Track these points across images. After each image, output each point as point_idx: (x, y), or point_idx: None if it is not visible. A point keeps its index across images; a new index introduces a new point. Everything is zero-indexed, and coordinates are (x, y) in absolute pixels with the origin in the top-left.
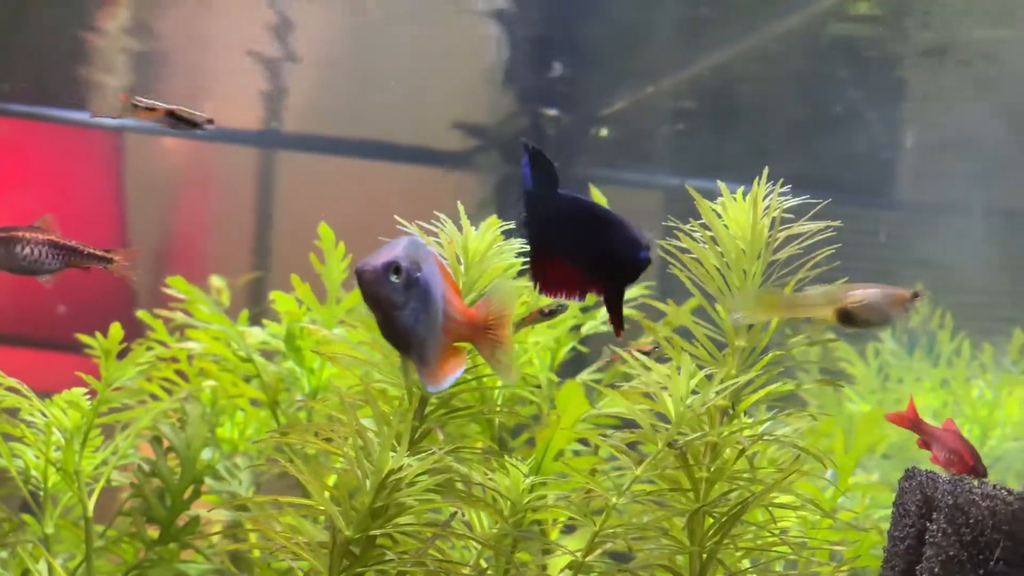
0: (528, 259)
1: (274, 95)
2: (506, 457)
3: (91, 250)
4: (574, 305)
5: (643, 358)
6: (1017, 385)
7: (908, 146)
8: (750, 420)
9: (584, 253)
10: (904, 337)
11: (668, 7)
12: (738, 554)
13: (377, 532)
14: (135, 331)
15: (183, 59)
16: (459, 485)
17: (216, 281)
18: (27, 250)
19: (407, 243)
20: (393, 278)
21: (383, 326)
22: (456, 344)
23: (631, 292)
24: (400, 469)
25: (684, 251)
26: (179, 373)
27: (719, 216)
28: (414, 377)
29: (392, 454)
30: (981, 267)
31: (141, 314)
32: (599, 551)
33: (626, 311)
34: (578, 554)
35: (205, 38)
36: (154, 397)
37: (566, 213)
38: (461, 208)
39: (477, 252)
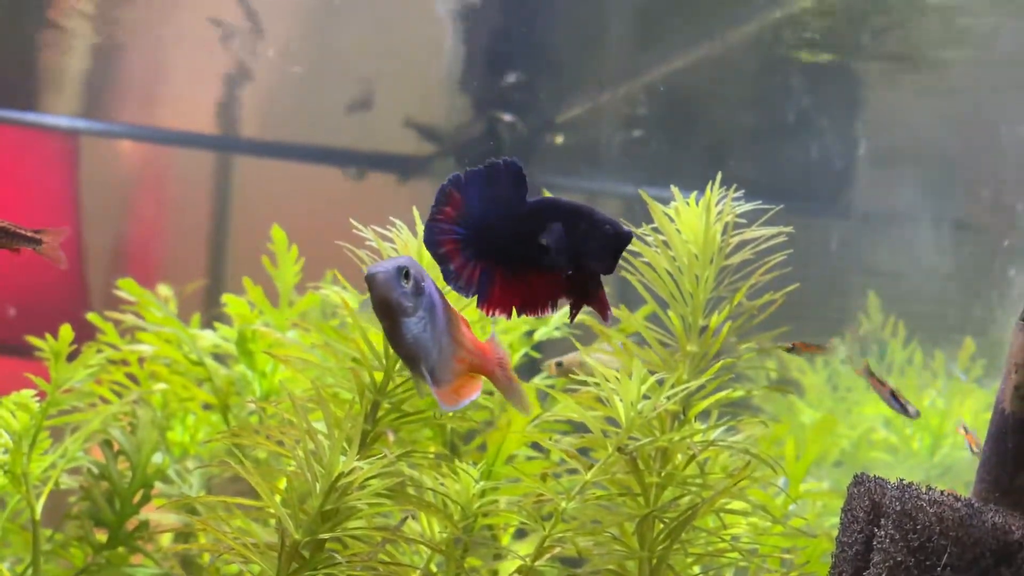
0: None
1: (231, 100)
2: (457, 462)
3: (21, 230)
4: None
5: (595, 364)
6: (968, 394)
7: (860, 155)
8: (702, 426)
9: (562, 250)
10: (856, 346)
11: (624, 14)
12: (689, 560)
13: (326, 536)
14: (88, 334)
15: (140, 64)
16: (410, 489)
17: (163, 290)
18: None
19: (406, 258)
20: (403, 283)
21: (391, 334)
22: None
23: None
24: (350, 472)
25: (636, 255)
26: (130, 376)
27: (672, 220)
28: (427, 393)
29: (342, 457)
30: (931, 276)
31: (91, 316)
32: (548, 555)
33: (580, 317)
34: (528, 558)
35: (163, 42)
36: (104, 400)
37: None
38: (416, 213)
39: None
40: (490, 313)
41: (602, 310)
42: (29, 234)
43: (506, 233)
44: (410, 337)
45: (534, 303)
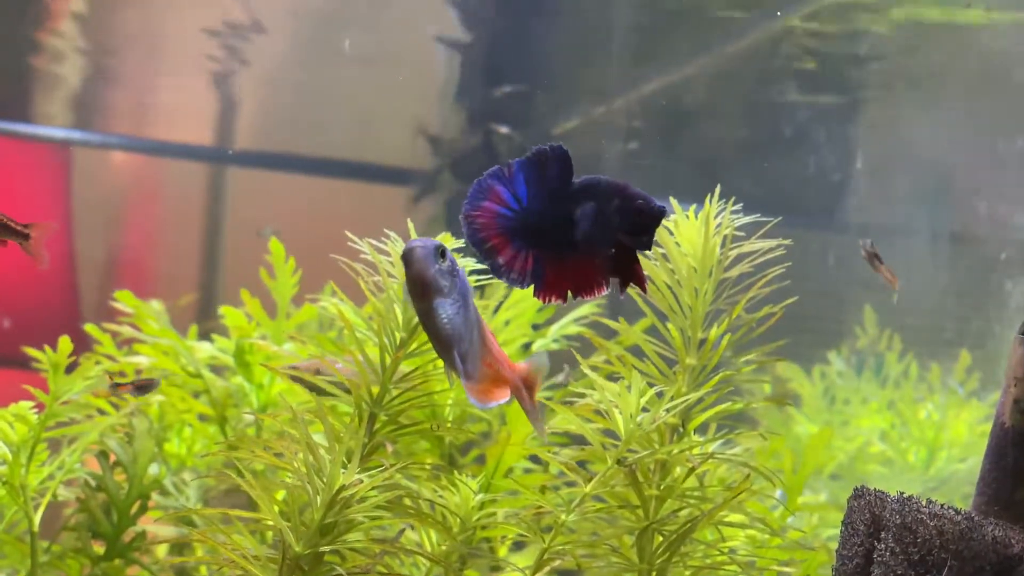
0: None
1: (225, 111)
2: (456, 474)
3: (12, 223)
4: (525, 322)
5: (594, 376)
6: (963, 407)
7: (857, 168)
8: (700, 439)
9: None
10: (853, 359)
11: (621, 27)
12: (687, 573)
13: (326, 548)
14: (82, 345)
15: (133, 76)
16: (408, 502)
17: (155, 305)
18: None
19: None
20: (439, 262)
21: (425, 316)
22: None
23: (583, 310)
24: (351, 485)
25: None
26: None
27: (671, 234)
28: (457, 383)
29: (342, 470)
30: (928, 289)
31: (89, 328)
32: (548, 568)
33: (578, 329)
34: (527, 571)
35: (156, 54)
36: (101, 412)
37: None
38: (411, 225)
39: None
40: (546, 300)
41: (640, 284)
42: (19, 228)
43: (554, 217)
44: (445, 318)
45: (588, 284)
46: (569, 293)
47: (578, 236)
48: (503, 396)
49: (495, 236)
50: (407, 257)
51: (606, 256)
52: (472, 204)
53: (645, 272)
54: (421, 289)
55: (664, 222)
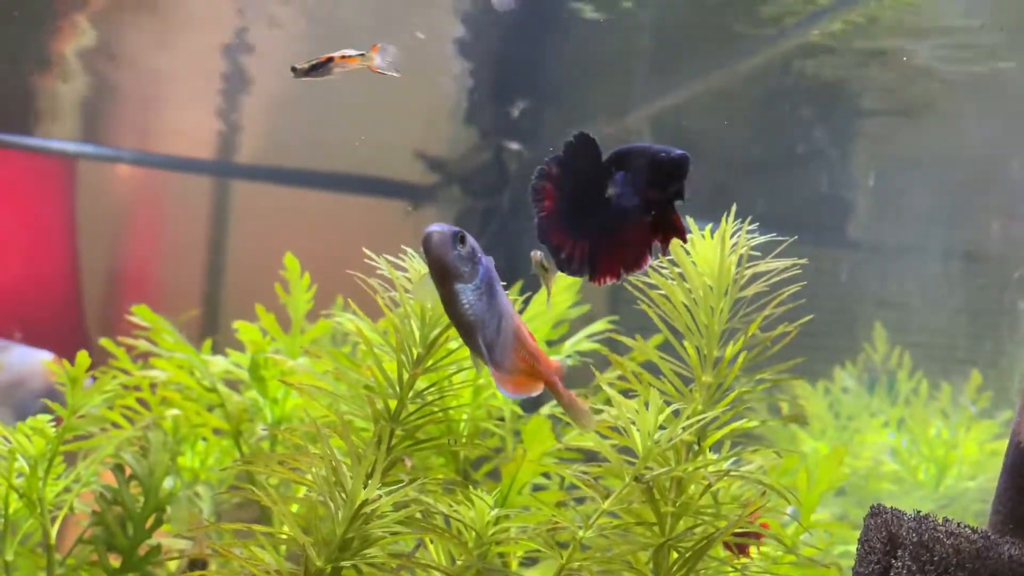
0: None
1: (231, 125)
2: (472, 489)
3: None
4: (540, 339)
5: (612, 392)
6: (974, 425)
7: (870, 186)
8: (715, 456)
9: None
10: (865, 376)
11: (631, 44)
12: None
13: (347, 563)
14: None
15: (140, 88)
16: (421, 515)
17: None
18: None
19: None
20: (459, 247)
21: (446, 300)
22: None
23: (596, 326)
24: (372, 501)
25: (653, 287)
26: (141, 401)
27: (687, 253)
28: (484, 369)
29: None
30: (940, 308)
31: (104, 342)
32: None
33: (590, 345)
34: None
35: (163, 67)
36: (115, 425)
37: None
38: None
39: None
40: (600, 282)
41: (681, 235)
42: None
43: (595, 197)
44: (466, 303)
45: (635, 258)
46: (621, 271)
47: (616, 205)
48: (535, 389)
49: (555, 232)
50: (426, 242)
51: (645, 220)
52: (536, 206)
53: (661, 292)
54: (440, 273)
55: (680, 242)
